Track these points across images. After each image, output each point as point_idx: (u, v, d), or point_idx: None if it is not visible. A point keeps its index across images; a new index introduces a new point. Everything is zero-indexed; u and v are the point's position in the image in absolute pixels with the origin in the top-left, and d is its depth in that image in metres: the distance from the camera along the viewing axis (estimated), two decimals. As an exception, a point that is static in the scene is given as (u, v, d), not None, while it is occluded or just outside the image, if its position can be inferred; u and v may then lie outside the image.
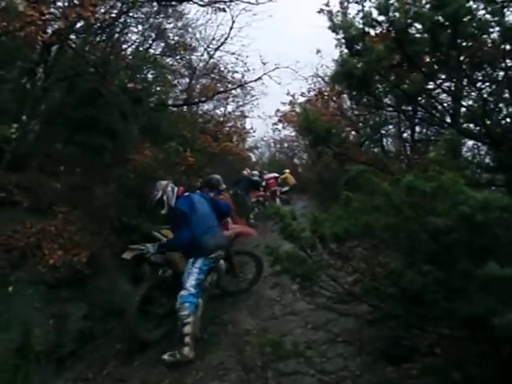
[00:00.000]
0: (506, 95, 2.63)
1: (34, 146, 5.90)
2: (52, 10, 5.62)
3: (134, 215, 6.11)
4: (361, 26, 2.72)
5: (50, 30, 5.53)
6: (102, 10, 6.20)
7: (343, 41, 2.83)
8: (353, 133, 13.99)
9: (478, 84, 3.09)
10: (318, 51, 12.19)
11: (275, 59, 12.75)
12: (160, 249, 4.46)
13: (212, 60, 11.76)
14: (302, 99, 14.32)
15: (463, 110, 2.96)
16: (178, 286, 4.28)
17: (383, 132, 11.24)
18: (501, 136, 2.44)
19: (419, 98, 3.01)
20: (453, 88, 3.09)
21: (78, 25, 6.60)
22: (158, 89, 9.08)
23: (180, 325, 4.05)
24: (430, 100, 3.18)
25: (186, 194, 4.70)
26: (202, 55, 11.53)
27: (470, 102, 2.83)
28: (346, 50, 2.84)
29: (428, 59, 2.79)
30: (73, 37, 6.60)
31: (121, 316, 4.74)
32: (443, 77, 3.19)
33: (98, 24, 6.70)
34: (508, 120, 2.62)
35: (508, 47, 2.56)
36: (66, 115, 6.49)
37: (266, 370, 3.91)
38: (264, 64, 10.91)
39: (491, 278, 1.46)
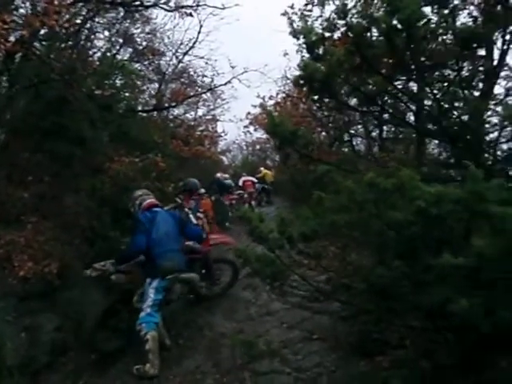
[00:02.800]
0: (460, 95, 2.76)
1: (1, 156, 5.77)
2: (15, 17, 5.52)
3: (108, 224, 6.04)
4: (320, 31, 2.81)
5: (13, 38, 5.42)
6: (67, 16, 6.11)
7: (304, 46, 2.91)
8: (323, 133, 14.22)
9: (437, 84, 3.22)
10: (286, 54, 12.32)
11: (244, 63, 12.86)
12: (117, 263, 4.42)
13: (181, 64, 11.77)
14: (271, 102, 14.43)
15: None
16: None
17: (352, 132, 11.50)
18: (456, 134, 2.56)
19: (381, 99, 3.12)
20: (411, 89, 3.22)
21: (43, 31, 6.52)
22: (127, 95, 8.97)
23: (142, 343, 4.03)
24: (392, 100, 3.29)
25: (155, 209, 4.60)
26: (171, 60, 11.52)
27: (430, 102, 2.94)
28: (307, 55, 2.93)
29: (386, 62, 2.89)
30: (37, 44, 6.48)
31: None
32: (402, 78, 3.32)
33: (63, 31, 6.62)
34: (463, 118, 2.75)
35: (459, 49, 2.70)
36: (32, 123, 6.36)
37: (243, 370, 3.95)
38: (233, 68, 10.95)
39: (447, 268, 1.55)
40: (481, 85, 3.26)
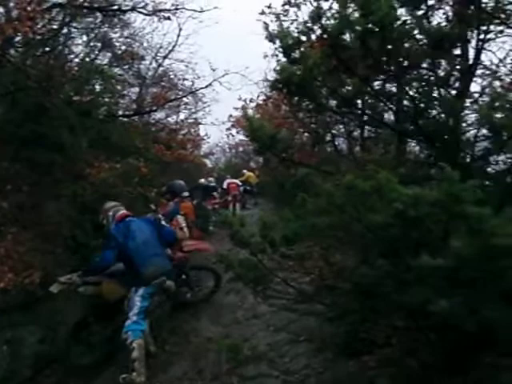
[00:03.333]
0: (435, 95, 2.79)
1: (-22, 166, 5.66)
2: (-13, 24, 5.41)
3: (89, 232, 5.96)
4: (296, 35, 2.81)
5: (-14, 46, 5.32)
6: (42, 23, 6.03)
7: (280, 49, 2.91)
8: (305, 134, 14.28)
9: (414, 84, 3.24)
10: (266, 56, 12.33)
11: (225, 65, 12.85)
12: (85, 276, 4.36)
13: (161, 68, 11.72)
14: (252, 104, 14.44)
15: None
16: (113, 313, 4.39)
17: (334, 132, 11.53)
18: (433, 133, 2.58)
19: (360, 100, 3.13)
20: (388, 90, 3.24)
21: (18, 38, 6.41)
22: (107, 100, 8.88)
23: (128, 352, 3.98)
24: (372, 101, 3.31)
25: (128, 219, 4.54)
26: (151, 64, 11.45)
27: (407, 103, 2.97)
28: (283, 59, 2.92)
29: (362, 64, 2.91)
30: (12, 51, 6.38)
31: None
32: (379, 79, 3.34)
33: (39, 37, 6.52)
34: (439, 117, 2.78)
35: (433, 50, 2.73)
36: (10, 132, 6.24)
37: (230, 375, 3.93)
38: (213, 70, 10.93)
39: (426, 268, 1.56)
40: (457, 84, 3.31)
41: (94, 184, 6.17)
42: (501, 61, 3.36)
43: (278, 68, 2.79)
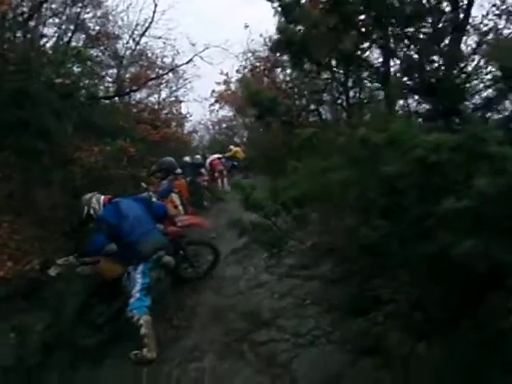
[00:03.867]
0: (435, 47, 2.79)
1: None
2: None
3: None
4: (295, -8, 2.77)
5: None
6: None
7: (279, 9, 2.86)
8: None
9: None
10: (247, 26, 12.20)
11: (204, 40, 12.63)
12: (80, 258, 4.39)
13: (139, 47, 11.43)
14: (235, 77, 14.33)
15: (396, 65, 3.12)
16: (115, 292, 4.38)
17: (319, 99, 11.45)
18: (435, 85, 2.60)
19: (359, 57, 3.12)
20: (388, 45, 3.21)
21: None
22: (87, 82, 8.67)
23: (136, 329, 3.98)
24: (364, 61, 3.30)
25: (115, 200, 4.54)
26: (128, 42, 11.17)
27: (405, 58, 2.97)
28: (283, 19, 2.87)
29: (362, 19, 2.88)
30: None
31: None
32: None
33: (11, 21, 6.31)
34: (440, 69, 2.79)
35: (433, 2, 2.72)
36: (-7, 119, 6.07)
37: (242, 343, 4.00)
38: (193, 45, 10.77)
39: (449, 212, 1.59)
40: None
41: (85, 167, 6.07)
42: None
43: (278, 28, 2.74)
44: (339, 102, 10.11)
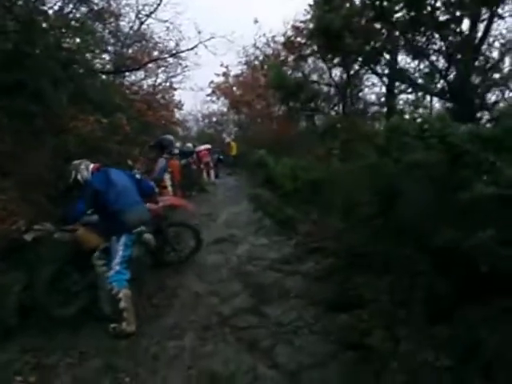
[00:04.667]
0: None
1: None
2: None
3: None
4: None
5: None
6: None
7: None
8: (283, 108, 14.32)
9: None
10: (256, 21, 12.25)
11: (210, 29, 12.65)
12: (57, 227, 4.35)
13: (143, 27, 11.33)
14: (235, 71, 14.39)
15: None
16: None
17: (313, 106, 11.60)
18: (456, 91, 2.70)
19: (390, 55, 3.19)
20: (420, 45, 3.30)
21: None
22: (87, 55, 8.55)
23: (115, 302, 4.02)
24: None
25: (104, 168, 4.53)
26: (133, 22, 11.04)
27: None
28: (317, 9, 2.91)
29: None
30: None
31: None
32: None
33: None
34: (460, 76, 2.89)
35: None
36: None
37: (223, 327, 4.03)
38: (199, 33, 10.72)
39: (478, 198, 1.66)
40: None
41: (80, 136, 5.99)
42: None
43: (315, 16, 2.77)
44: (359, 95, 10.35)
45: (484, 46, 3.19)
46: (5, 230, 4.47)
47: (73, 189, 4.53)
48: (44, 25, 7.05)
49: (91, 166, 4.50)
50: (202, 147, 14.18)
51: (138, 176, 5.32)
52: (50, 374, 3.50)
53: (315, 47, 7.70)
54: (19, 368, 3.57)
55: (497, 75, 2.79)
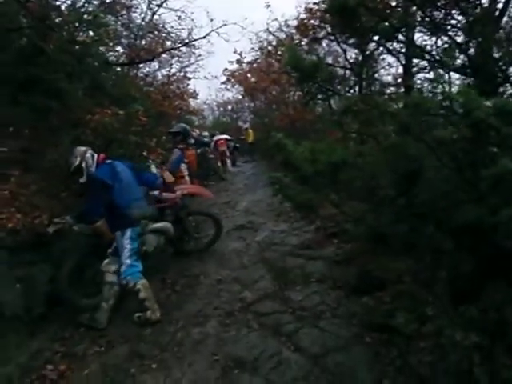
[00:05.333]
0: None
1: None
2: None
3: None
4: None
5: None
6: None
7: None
8: (297, 93, 14.20)
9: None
10: (268, 5, 12.12)
11: (222, 16, 12.59)
12: (76, 220, 4.37)
13: (155, 17, 11.29)
14: (249, 57, 14.30)
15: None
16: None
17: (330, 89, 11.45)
18: (477, 65, 2.63)
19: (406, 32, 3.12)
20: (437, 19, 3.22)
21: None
22: (101, 48, 8.59)
23: (135, 295, 4.05)
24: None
25: (108, 161, 4.48)
26: (146, 12, 11.01)
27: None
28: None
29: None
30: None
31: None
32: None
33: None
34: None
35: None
36: (5, 74, 5.99)
37: (246, 312, 4.06)
38: (211, 20, 10.64)
39: (504, 173, 1.62)
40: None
41: (97, 129, 6.03)
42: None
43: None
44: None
45: (505, 19, 3.09)
46: (29, 223, 4.55)
47: (75, 175, 4.44)
48: (57, 20, 7.11)
49: (96, 155, 4.45)
50: (222, 137, 14.20)
51: (153, 170, 5.35)
52: (79, 362, 3.58)
53: (329, 29, 7.63)
54: (49, 356, 3.67)
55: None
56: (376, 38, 3.30)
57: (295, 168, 2.29)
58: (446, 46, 3.05)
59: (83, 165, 4.32)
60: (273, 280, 4.65)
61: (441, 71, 2.82)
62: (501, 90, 2.78)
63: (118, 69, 9.72)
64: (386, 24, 2.97)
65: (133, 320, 4.05)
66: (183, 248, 5.78)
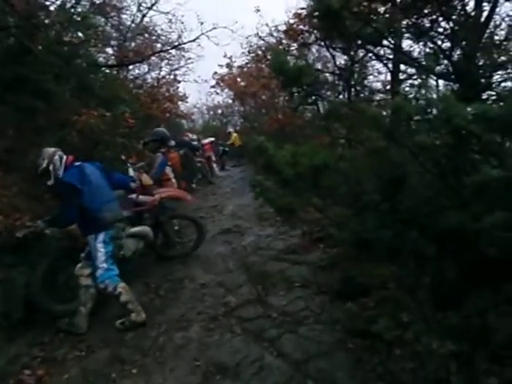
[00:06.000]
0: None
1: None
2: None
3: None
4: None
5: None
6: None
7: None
8: (286, 98, 14.22)
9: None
10: (258, 10, 12.14)
11: (212, 20, 12.60)
12: (49, 225, 4.28)
13: (145, 19, 11.28)
14: (239, 62, 14.31)
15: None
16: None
17: (317, 94, 11.47)
18: (461, 71, 2.64)
19: (390, 36, 3.13)
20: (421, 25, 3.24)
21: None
22: (90, 49, 8.53)
23: (115, 299, 3.99)
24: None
25: (77, 163, 4.28)
26: (136, 15, 11.00)
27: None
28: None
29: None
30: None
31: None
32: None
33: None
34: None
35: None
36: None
37: (229, 317, 4.02)
38: (201, 24, 10.65)
39: (485, 181, 1.62)
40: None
41: (83, 131, 5.97)
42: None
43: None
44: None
45: (490, 27, 3.11)
46: (10, 225, 4.47)
47: (41, 178, 4.27)
48: (46, 20, 7.05)
49: (65, 157, 4.24)
50: (207, 140, 14.15)
51: (131, 173, 5.26)
52: (58, 367, 3.52)
53: (318, 34, 7.66)
54: (27, 361, 3.59)
55: (503, 57, 2.73)
56: (361, 42, 3.30)
57: (276, 171, 2.27)
58: (430, 51, 3.07)
59: (50, 167, 4.14)
60: (257, 285, 4.61)
61: (425, 76, 2.83)
62: (485, 96, 2.80)
63: (107, 70, 9.65)
64: (371, 29, 2.97)
65: (116, 326, 3.98)
66: (165, 252, 5.71)
